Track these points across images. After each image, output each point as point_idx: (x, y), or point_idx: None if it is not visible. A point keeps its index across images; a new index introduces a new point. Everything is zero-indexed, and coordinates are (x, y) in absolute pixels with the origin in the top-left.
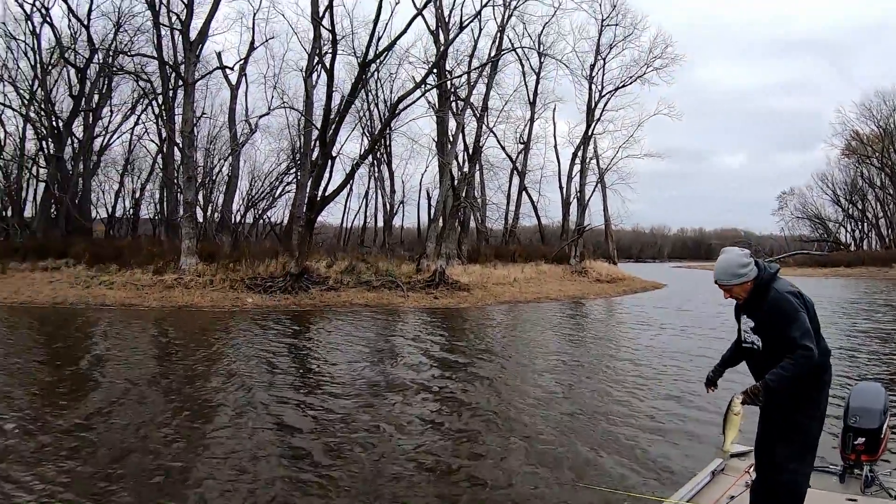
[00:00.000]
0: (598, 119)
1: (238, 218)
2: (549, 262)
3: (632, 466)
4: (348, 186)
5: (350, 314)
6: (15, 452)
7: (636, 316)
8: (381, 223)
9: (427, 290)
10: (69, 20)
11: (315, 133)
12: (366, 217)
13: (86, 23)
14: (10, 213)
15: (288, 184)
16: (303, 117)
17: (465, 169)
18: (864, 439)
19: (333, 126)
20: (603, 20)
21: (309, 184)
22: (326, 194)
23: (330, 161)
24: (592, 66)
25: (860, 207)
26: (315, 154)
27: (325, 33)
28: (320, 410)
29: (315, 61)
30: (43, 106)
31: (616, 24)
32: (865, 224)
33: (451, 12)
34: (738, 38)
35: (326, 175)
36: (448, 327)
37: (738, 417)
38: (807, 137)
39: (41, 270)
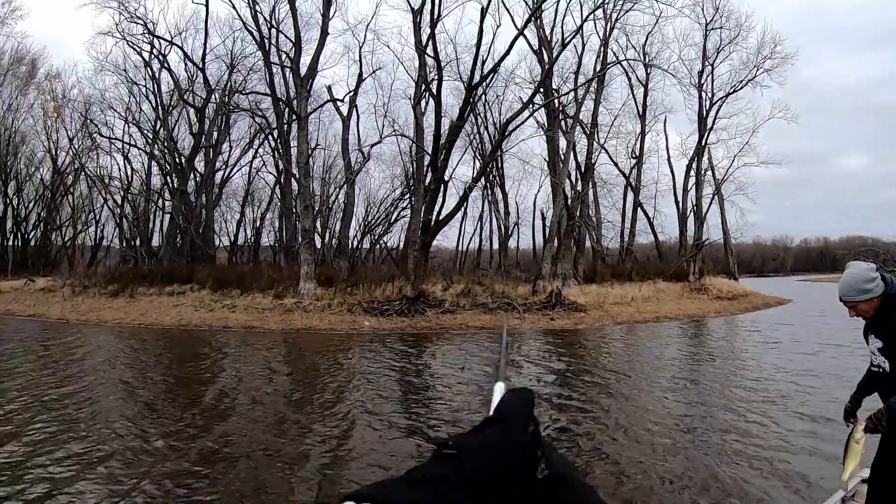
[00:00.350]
0: (711, 128)
1: (355, 243)
2: (667, 279)
3: (765, 487)
4: (462, 210)
5: (467, 336)
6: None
7: (760, 334)
8: (496, 245)
9: (543, 312)
10: (185, 65)
11: (426, 158)
12: (481, 239)
13: (201, 66)
14: (138, 242)
15: (403, 209)
16: (413, 144)
17: (578, 187)
18: None
19: (444, 151)
20: (707, 24)
21: (423, 208)
22: (440, 218)
23: (442, 185)
24: (700, 73)
25: None
26: (427, 179)
27: (429, 61)
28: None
29: (422, 88)
30: (166, 144)
31: (721, 28)
32: None
33: (552, 30)
34: (845, 27)
35: (439, 199)
36: (567, 348)
37: (858, 446)
38: None
39: (167, 295)
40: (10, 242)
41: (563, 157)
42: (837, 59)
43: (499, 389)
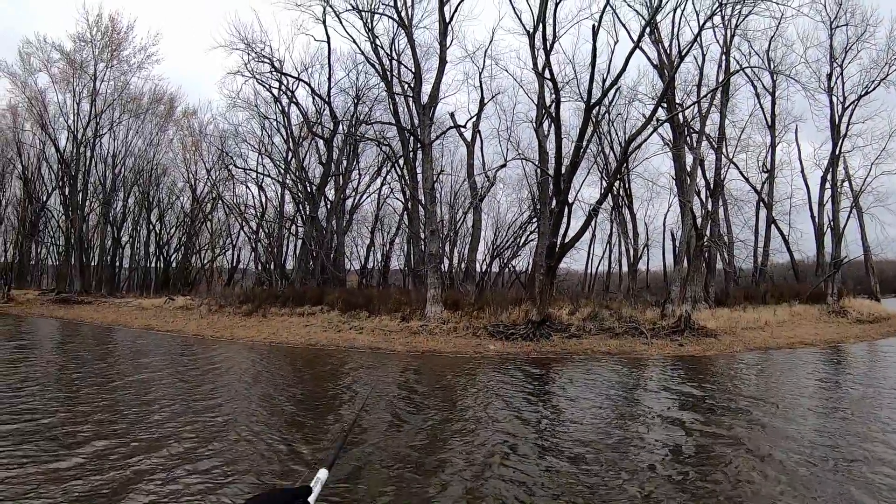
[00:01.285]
0: (845, 135)
1: (484, 267)
2: (804, 301)
3: None
4: (589, 232)
5: (592, 361)
6: None
7: None
8: (625, 268)
9: (672, 337)
10: (313, 98)
11: (550, 181)
12: (610, 262)
13: (327, 99)
14: (272, 266)
15: (531, 233)
16: (537, 167)
17: (708, 205)
18: None
19: (566, 172)
20: (831, 22)
21: (548, 232)
22: (565, 241)
23: (567, 208)
24: (829, 76)
25: None
26: (552, 202)
27: (548, 82)
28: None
29: (542, 111)
30: (297, 174)
31: (846, 24)
32: None
33: (670, 43)
34: None
35: (564, 222)
36: (697, 374)
37: None
38: None
39: (298, 315)
40: (153, 264)
41: (689, 174)
42: None
43: (320, 478)
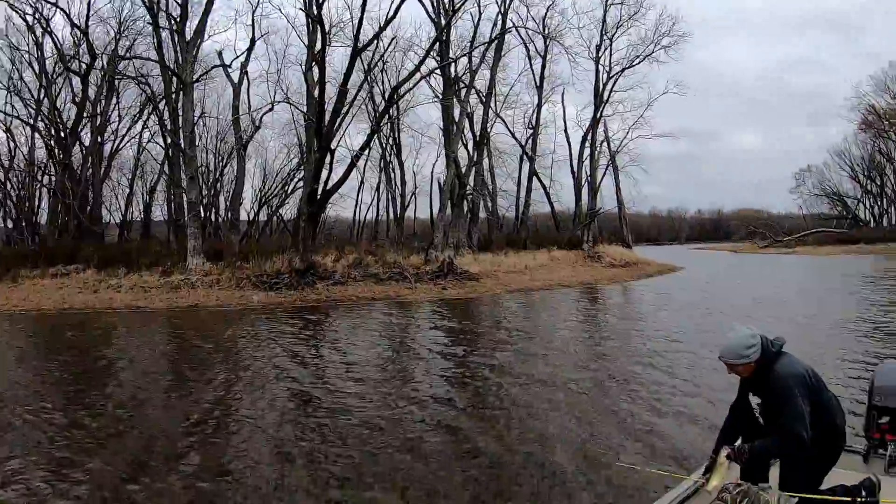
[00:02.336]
0: (607, 101)
1: (252, 216)
2: (562, 248)
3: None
4: (356, 179)
5: (359, 308)
6: None
7: (651, 300)
8: (393, 216)
9: (435, 282)
10: (71, 29)
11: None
12: (378, 210)
13: (84, 28)
14: (22, 221)
15: (299, 180)
16: (303, 113)
17: (474, 157)
18: (888, 418)
19: (329, 118)
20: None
21: (310, 178)
22: (327, 188)
23: (329, 154)
24: (599, 47)
25: (879, 183)
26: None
27: (319, 25)
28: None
29: (313, 54)
30: (49, 115)
31: (621, 3)
32: (884, 200)
33: None
34: (749, 15)
35: (327, 168)
36: (461, 315)
37: (722, 467)
38: (821, 115)
39: (51, 276)
40: None
41: (456, 125)
42: (740, 43)
43: None
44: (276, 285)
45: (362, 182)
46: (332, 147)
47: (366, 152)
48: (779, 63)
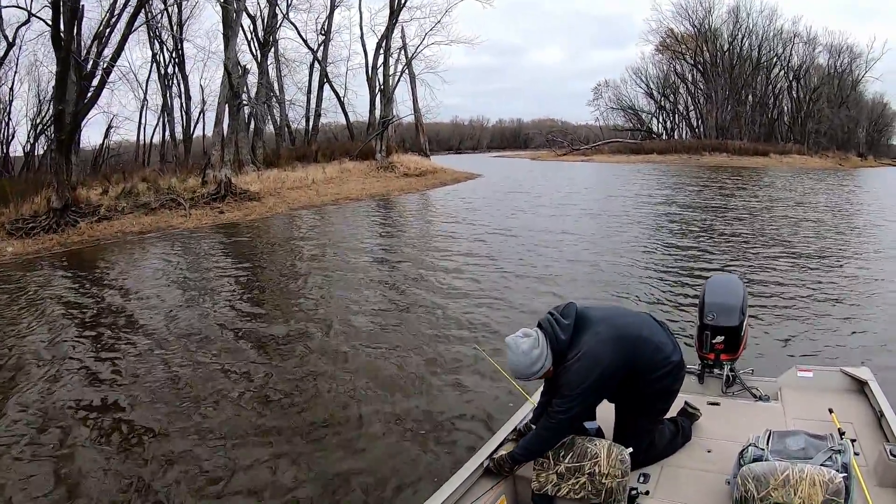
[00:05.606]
0: (404, 5)
1: (28, 148)
2: (354, 158)
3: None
4: (136, 98)
5: (122, 245)
6: None
7: (444, 209)
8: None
9: (211, 205)
10: None
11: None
12: (164, 131)
13: None
14: None
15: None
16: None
17: (256, 63)
18: (722, 338)
19: (66, 21)
20: None
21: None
22: (77, 109)
23: (106, 74)
24: None
25: (672, 100)
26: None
27: None
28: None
29: None
30: None
31: None
32: (677, 116)
33: None
34: None
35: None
36: (239, 242)
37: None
38: (620, 37)
39: None
40: None
41: (232, 28)
42: None
43: None
44: (33, 230)
45: (145, 100)
46: (105, 64)
47: (139, 67)
48: None
